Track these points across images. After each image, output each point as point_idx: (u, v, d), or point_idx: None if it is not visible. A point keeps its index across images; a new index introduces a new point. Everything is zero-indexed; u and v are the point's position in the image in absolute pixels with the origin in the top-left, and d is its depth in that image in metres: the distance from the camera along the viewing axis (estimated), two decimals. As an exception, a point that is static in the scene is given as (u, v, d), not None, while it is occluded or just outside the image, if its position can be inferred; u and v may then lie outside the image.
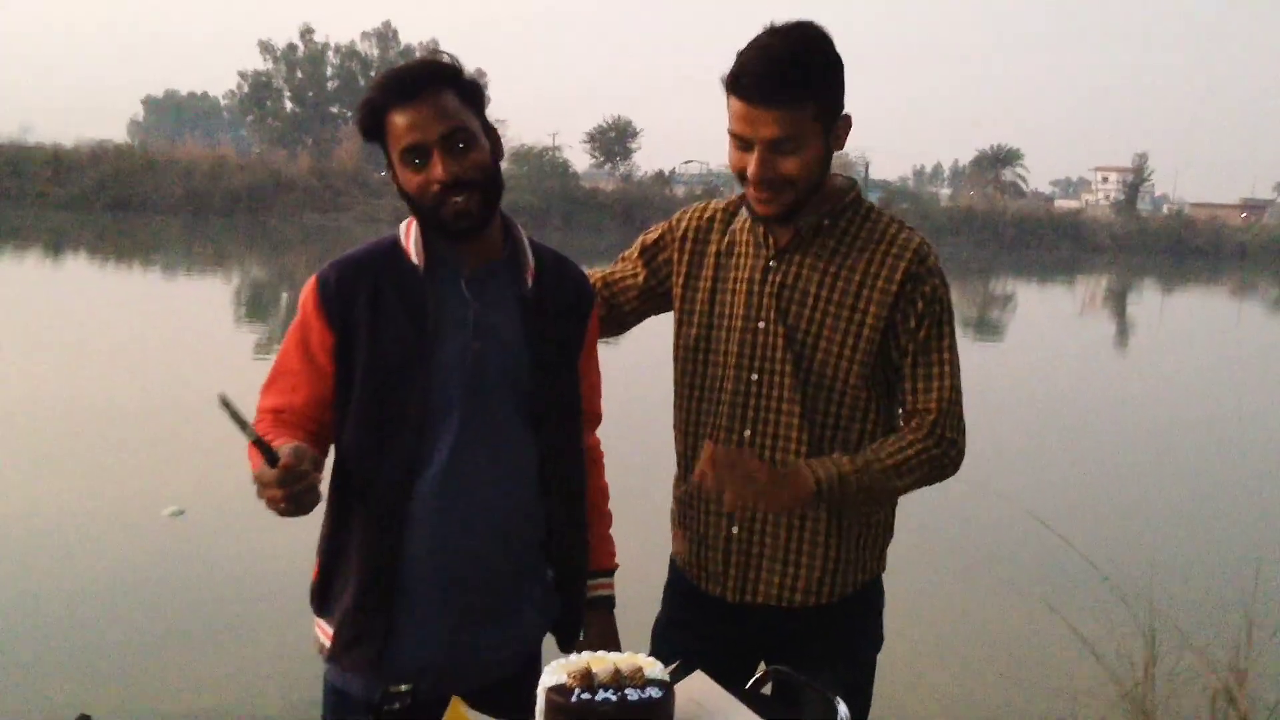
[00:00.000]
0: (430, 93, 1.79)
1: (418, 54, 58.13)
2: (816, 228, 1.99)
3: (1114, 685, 3.26)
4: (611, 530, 2.17)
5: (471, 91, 1.84)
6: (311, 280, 1.86)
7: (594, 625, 2.08)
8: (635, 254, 2.23)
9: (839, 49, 1.88)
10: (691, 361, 2.10)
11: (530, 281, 1.91)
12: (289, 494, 1.58)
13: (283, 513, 1.61)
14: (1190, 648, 3.29)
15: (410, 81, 1.79)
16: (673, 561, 2.24)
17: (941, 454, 1.97)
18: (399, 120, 1.78)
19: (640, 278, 2.21)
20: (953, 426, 1.98)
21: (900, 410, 2.04)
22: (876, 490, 1.93)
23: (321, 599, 1.92)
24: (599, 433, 2.15)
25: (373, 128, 1.83)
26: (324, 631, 1.92)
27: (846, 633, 2.10)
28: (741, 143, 1.88)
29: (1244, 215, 76.44)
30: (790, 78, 1.80)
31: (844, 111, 1.91)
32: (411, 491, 1.82)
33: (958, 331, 2.04)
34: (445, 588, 1.85)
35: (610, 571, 2.14)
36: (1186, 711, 3.25)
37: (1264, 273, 46.60)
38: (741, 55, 1.84)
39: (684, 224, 2.17)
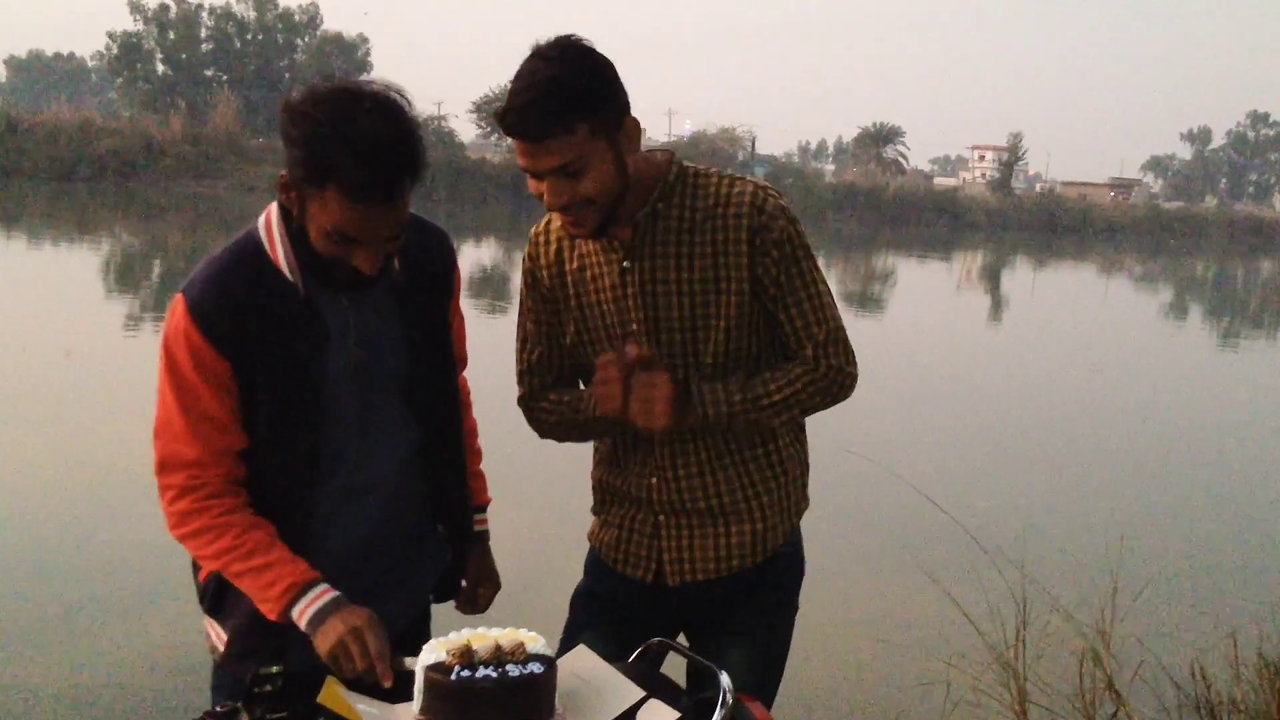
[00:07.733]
0: (399, 195, 1.64)
1: (296, 18, 56.74)
2: (653, 215, 1.94)
3: (987, 649, 3.35)
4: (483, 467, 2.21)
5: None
6: (181, 310, 1.70)
7: (471, 561, 2.13)
8: (530, 321, 2.10)
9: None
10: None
11: (399, 266, 1.86)
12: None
13: None
14: (1059, 611, 3.40)
15: (387, 183, 1.61)
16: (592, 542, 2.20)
17: (829, 383, 1.97)
18: (349, 208, 1.61)
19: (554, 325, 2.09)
20: (836, 354, 1.97)
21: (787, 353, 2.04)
22: (763, 424, 1.96)
23: (215, 600, 1.85)
24: (467, 373, 2.14)
25: (316, 180, 1.61)
26: (217, 634, 1.87)
27: (769, 602, 2.11)
28: (532, 174, 1.81)
29: (1112, 194, 79.25)
30: (551, 108, 1.72)
31: (627, 116, 1.83)
32: (310, 503, 1.79)
33: (841, 303, 2.05)
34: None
35: (484, 507, 2.19)
36: (1055, 673, 3.36)
37: (1130, 250, 48.47)
38: (510, 89, 1.76)
39: (538, 253, 2.07)
